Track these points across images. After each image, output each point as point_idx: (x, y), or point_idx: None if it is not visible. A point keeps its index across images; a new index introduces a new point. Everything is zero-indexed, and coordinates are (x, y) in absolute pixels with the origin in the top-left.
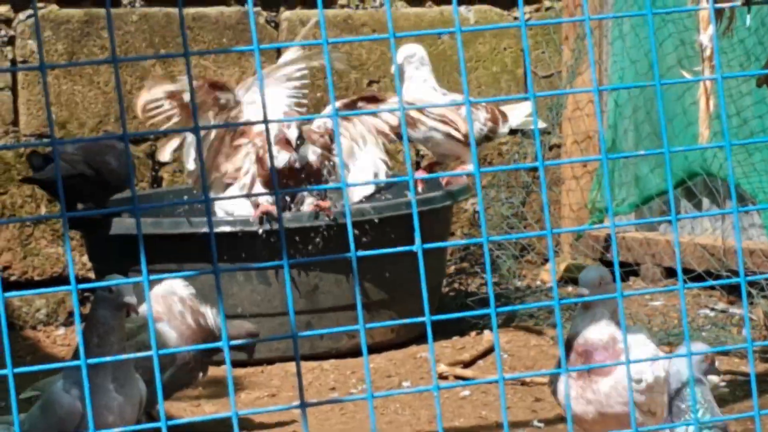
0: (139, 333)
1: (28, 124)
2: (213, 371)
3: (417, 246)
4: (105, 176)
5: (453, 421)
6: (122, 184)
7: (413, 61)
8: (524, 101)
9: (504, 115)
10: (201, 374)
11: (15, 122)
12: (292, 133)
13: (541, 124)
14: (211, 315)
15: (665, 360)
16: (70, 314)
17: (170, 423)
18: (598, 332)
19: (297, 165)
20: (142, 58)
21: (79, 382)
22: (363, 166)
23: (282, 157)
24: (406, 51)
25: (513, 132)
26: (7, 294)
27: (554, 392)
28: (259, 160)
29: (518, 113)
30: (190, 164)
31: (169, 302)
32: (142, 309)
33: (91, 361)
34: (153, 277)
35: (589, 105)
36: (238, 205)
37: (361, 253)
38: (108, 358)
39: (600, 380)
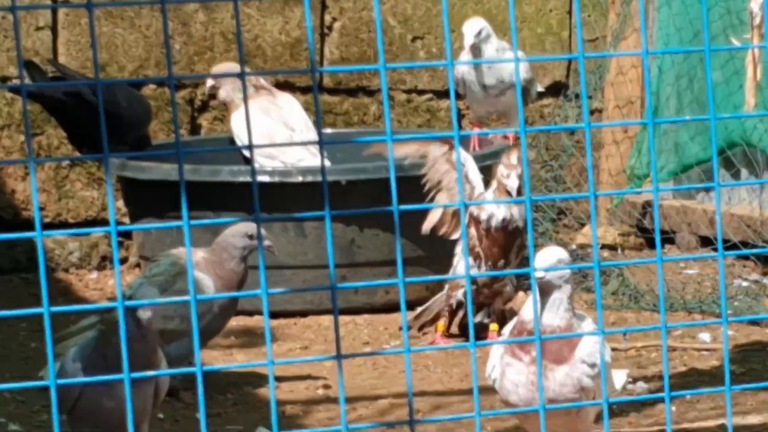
0: (176, 281)
1: (67, 64)
2: (245, 321)
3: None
4: (112, 111)
5: (486, 380)
6: (134, 125)
7: (482, 36)
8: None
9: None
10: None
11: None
12: (513, 183)
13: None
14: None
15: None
16: (103, 258)
17: (205, 369)
18: (556, 318)
19: (511, 227)
20: (189, 0)
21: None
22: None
23: (499, 214)
24: (473, 29)
25: (555, 94)
26: (48, 232)
27: (492, 379)
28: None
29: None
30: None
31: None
32: (181, 253)
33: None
34: (194, 222)
35: (632, 71)
36: (290, 154)
37: (403, 207)
38: None
39: (556, 368)
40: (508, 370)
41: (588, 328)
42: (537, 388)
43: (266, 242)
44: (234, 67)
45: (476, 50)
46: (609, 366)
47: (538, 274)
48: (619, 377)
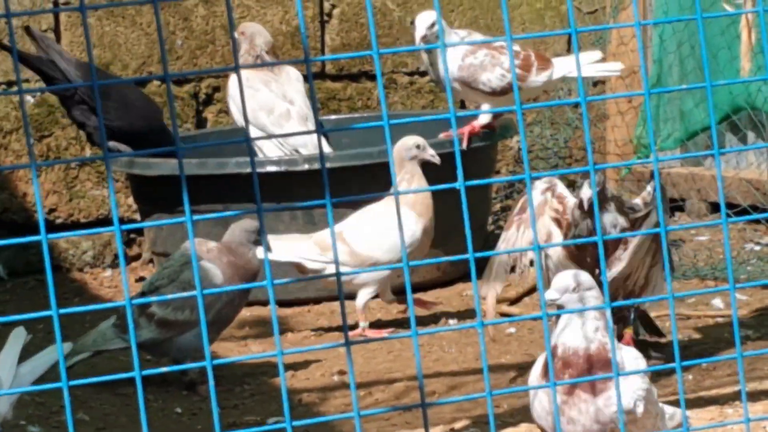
0: (183, 271)
1: None
2: (259, 311)
3: (459, 183)
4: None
5: (499, 359)
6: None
7: (435, 30)
8: (592, 50)
9: (546, 63)
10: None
11: None
12: (586, 193)
13: (592, 71)
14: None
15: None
16: (116, 257)
17: (215, 362)
18: (579, 339)
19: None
20: None
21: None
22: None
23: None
24: (425, 21)
25: None
26: (53, 235)
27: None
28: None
29: (568, 63)
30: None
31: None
32: (186, 246)
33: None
34: (197, 217)
35: (634, 40)
36: (287, 128)
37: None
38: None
39: (589, 400)
40: (540, 393)
41: (629, 356)
42: (569, 419)
43: None
44: (259, 28)
45: (428, 43)
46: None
47: (551, 296)
48: (674, 416)
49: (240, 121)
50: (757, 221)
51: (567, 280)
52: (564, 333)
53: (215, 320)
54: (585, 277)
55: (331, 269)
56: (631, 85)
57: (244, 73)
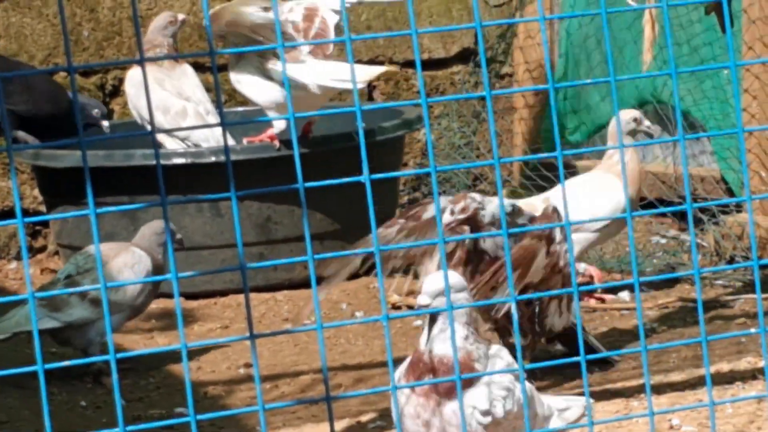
0: (81, 283)
1: None
2: (165, 303)
3: (365, 177)
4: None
5: (406, 351)
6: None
7: None
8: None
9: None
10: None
11: None
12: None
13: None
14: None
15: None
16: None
17: (119, 356)
18: (448, 348)
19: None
20: None
21: None
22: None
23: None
24: None
25: (465, 61)
26: None
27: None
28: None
29: (299, 69)
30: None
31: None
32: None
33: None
34: (101, 210)
35: (540, 34)
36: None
37: (309, 184)
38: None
39: (445, 403)
40: (400, 395)
41: (500, 364)
42: (423, 421)
43: (177, 236)
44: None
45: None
46: (534, 400)
47: (422, 300)
48: (571, 410)
49: (137, 118)
50: (663, 214)
51: (437, 283)
52: (435, 340)
53: (138, 306)
54: (455, 279)
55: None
56: (539, 78)
57: (136, 72)
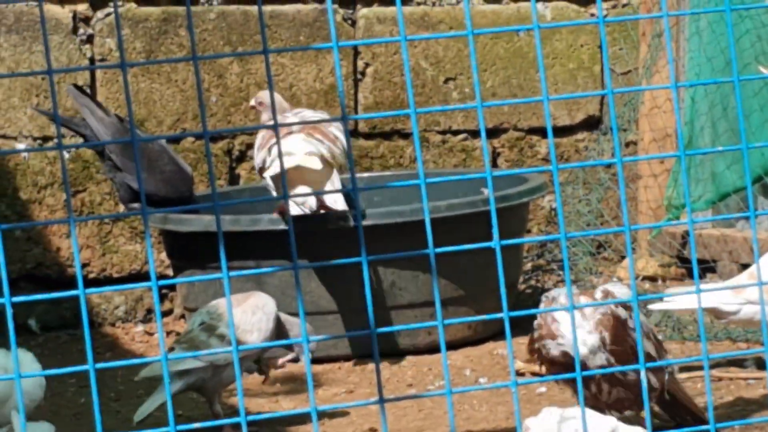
0: (219, 327)
1: None
2: (290, 368)
3: (495, 242)
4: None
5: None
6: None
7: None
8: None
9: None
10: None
11: None
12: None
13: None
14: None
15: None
16: (149, 311)
17: (250, 418)
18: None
19: None
20: (221, 56)
21: None
22: None
23: None
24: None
25: (589, 129)
26: (91, 290)
27: None
28: None
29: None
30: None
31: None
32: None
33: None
34: (233, 273)
35: (667, 102)
36: (334, 202)
37: (439, 249)
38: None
39: None
40: None
41: None
42: None
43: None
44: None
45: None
46: None
47: None
48: None
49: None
50: None
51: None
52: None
53: (261, 353)
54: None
55: (745, 310)
56: (664, 146)
57: (263, 134)
